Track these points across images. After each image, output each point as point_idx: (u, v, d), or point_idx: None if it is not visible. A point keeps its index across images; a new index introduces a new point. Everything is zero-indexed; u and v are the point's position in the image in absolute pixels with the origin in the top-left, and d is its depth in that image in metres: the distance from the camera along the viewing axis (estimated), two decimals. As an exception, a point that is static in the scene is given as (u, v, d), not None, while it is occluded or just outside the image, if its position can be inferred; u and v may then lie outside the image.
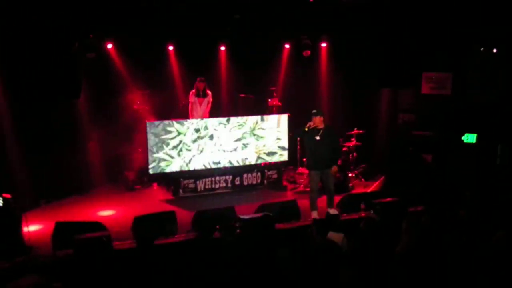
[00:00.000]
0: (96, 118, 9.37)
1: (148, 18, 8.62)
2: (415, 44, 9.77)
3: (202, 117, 9.48)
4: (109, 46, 9.39)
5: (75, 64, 7.68)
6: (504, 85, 9.64)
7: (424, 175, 9.15)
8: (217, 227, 6.75)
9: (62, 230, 6.33)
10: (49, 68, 7.85)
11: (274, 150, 9.75)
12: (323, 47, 10.90)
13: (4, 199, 6.44)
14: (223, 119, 9.43)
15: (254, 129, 9.55)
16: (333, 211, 6.01)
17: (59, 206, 8.52)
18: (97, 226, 6.51)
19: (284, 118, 9.80)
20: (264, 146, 9.65)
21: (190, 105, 9.61)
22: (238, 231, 6.01)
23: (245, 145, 9.50)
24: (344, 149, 9.85)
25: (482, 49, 9.92)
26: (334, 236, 5.54)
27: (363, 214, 7.01)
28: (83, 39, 8.44)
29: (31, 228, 6.94)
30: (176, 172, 9.06)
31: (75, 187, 9.10)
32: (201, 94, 9.55)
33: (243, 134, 9.48)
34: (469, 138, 9.52)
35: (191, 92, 9.56)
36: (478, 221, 5.71)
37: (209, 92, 9.66)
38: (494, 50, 9.88)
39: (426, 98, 10.28)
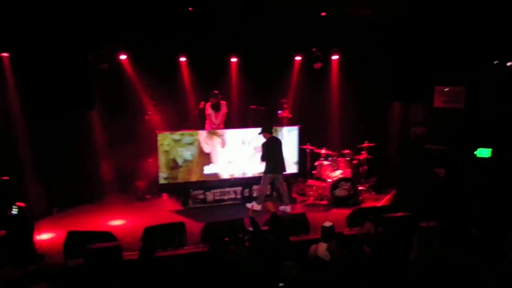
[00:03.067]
0: (108, 128, 9.47)
1: (161, 30, 8.74)
2: (428, 58, 9.76)
3: (218, 128, 9.57)
4: (123, 57, 9.52)
5: (89, 75, 7.80)
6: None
7: (436, 190, 9.07)
8: (226, 239, 6.78)
9: (74, 239, 6.41)
10: (64, 79, 7.98)
11: (284, 162, 9.72)
12: (334, 59, 10.93)
13: (19, 208, 6.53)
14: (235, 130, 9.47)
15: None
16: (327, 223, 5.98)
17: (71, 214, 8.60)
18: (107, 236, 6.57)
19: (294, 130, 9.81)
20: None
21: (207, 116, 9.72)
22: (247, 243, 5.99)
23: (256, 156, 9.51)
24: (354, 162, 9.83)
25: (495, 62, 9.86)
26: (320, 245, 5.54)
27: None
28: (97, 50, 8.57)
29: (43, 236, 7.03)
30: (186, 183, 9.10)
31: (86, 196, 9.18)
32: (216, 107, 9.67)
33: (253, 145, 9.50)
34: (483, 152, 9.41)
35: (207, 104, 9.67)
36: (490, 241, 5.64)
37: (224, 102, 9.77)
38: (508, 63, 9.82)
39: (438, 111, 10.23)
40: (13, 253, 6.25)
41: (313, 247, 5.66)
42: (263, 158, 8.72)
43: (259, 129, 9.52)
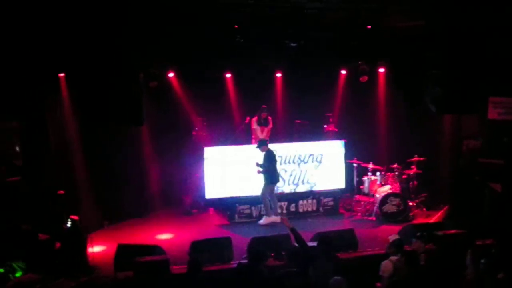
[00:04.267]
0: (157, 144, 9.74)
1: (208, 47, 8.95)
2: (481, 67, 9.36)
3: None
4: (171, 75, 9.82)
5: (139, 93, 8.08)
6: None
7: (493, 206, 8.60)
8: (272, 254, 6.73)
9: (124, 252, 6.57)
10: (116, 96, 8.31)
11: (331, 177, 9.61)
12: (381, 72, 10.73)
13: (72, 221, 6.79)
14: (283, 144, 9.46)
15: (311, 155, 9.49)
16: (393, 237, 5.82)
17: (121, 228, 8.84)
18: (156, 249, 6.69)
19: (340, 144, 9.67)
20: (321, 172, 9.54)
21: (252, 131, 9.80)
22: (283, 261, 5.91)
23: (302, 171, 9.44)
24: (404, 176, 9.52)
25: None
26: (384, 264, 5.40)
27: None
28: (147, 69, 8.88)
29: (95, 249, 7.26)
30: (232, 198, 9.15)
31: (135, 210, 9.42)
32: (263, 122, 9.74)
33: (300, 159, 9.44)
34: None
35: (253, 119, 9.75)
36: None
37: (270, 118, 9.84)
38: None
39: (493, 123, 9.75)
40: (67, 264, 6.49)
41: (387, 263, 5.49)
42: (264, 170, 8.73)
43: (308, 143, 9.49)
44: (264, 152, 8.78)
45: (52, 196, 7.33)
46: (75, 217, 6.86)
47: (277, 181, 8.94)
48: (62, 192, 7.23)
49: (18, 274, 6.05)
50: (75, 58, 7.80)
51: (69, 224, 6.79)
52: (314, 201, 9.47)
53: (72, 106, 8.47)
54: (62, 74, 8.34)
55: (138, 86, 8.07)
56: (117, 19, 7.45)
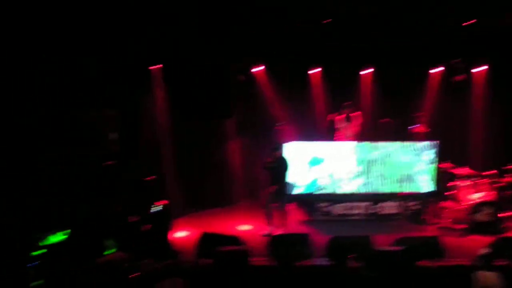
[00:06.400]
0: (241, 137, 9.97)
1: (296, 42, 8.94)
2: None
3: (350, 140, 9.45)
4: (258, 69, 9.98)
5: (229, 86, 8.30)
6: None
7: None
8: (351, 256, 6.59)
9: (206, 240, 6.81)
10: (206, 89, 8.62)
11: (417, 179, 9.18)
12: (478, 71, 10.00)
13: (164, 205, 7.17)
14: (367, 144, 9.21)
15: (397, 155, 9.13)
16: (484, 249, 5.44)
17: (203, 216, 9.18)
18: (237, 240, 6.85)
19: (432, 145, 9.17)
20: (409, 174, 9.15)
21: (338, 129, 9.66)
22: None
23: (387, 172, 9.13)
24: (499, 185, 8.81)
25: None
26: (488, 275, 5.03)
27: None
28: (236, 63, 9.09)
29: (178, 234, 7.60)
30: (313, 194, 9.09)
31: (219, 200, 9.73)
32: (348, 119, 9.54)
33: (385, 159, 9.13)
34: None
35: (339, 117, 9.61)
36: None
37: (356, 114, 9.61)
38: None
39: None
40: (153, 246, 6.87)
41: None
42: (282, 177, 8.20)
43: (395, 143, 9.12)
44: (277, 157, 8.25)
45: (143, 181, 7.78)
46: (166, 202, 7.21)
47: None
48: (152, 178, 7.65)
49: (109, 252, 6.51)
50: (171, 51, 8.17)
51: (159, 208, 7.15)
52: (398, 204, 9.12)
53: (164, 98, 8.89)
54: (157, 67, 8.80)
55: (227, 79, 8.29)
56: (214, 17, 7.65)
